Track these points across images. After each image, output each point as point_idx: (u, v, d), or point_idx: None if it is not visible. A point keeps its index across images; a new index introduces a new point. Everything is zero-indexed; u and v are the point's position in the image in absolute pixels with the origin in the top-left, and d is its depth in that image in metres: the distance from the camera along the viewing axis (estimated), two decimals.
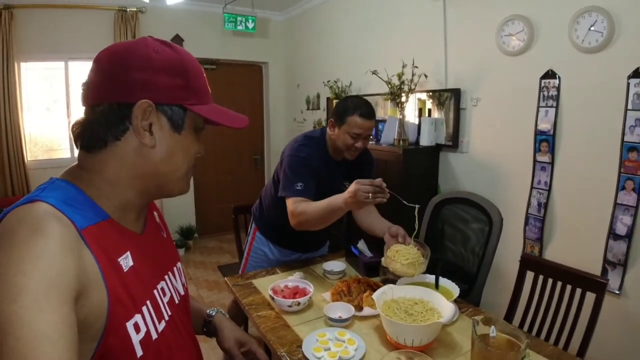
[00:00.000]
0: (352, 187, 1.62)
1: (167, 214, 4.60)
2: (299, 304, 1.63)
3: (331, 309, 1.60)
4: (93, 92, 0.73)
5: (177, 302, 0.89)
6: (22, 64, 3.98)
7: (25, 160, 4.04)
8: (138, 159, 0.75)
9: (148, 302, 0.75)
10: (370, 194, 1.59)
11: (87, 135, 0.74)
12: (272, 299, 1.67)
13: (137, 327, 0.70)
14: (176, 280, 0.93)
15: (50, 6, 3.96)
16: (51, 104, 4.30)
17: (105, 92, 0.72)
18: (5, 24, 3.71)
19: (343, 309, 1.59)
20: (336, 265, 2.05)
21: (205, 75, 0.82)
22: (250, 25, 4.66)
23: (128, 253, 0.74)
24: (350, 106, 1.92)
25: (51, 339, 0.54)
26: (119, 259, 0.71)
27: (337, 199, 1.71)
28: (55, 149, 4.39)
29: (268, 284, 1.79)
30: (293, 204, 1.86)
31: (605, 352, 2.08)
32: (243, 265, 2.31)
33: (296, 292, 1.71)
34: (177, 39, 4.58)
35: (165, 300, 0.83)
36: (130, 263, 0.73)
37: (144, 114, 0.72)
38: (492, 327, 1.18)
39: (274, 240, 2.23)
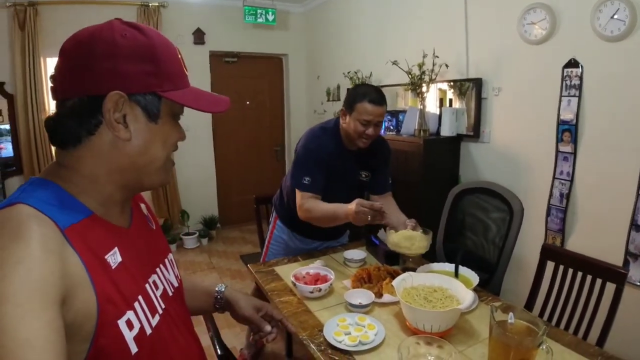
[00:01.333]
0: (353, 206, 1.72)
1: (190, 204, 4.76)
2: (320, 290, 1.67)
3: (352, 295, 1.64)
4: (61, 86, 0.69)
5: (170, 294, 0.87)
6: (48, 60, 4.08)
7: (54, 155, 4.13)
8: (114, 152, 0.71)
9: (140, 298, 0.73)
10: (369, 217, 1.69)
11: (59, 131, 0.70)
12: (294, 285, 1.72)
13: (129, 324, 0.68)
14: (168, 272, 0.90)
15: (73, 2, 4.06)
16: None
17: (73, 84, 0.68)
18: (30, 20, 3.81)
19: (363, 296, 1.63)
20: (357, 253, 2.08)
21: (180, 56, 0.76)
22: (270, 17, 4.69)
23: (116, 249, 0.71)
24: (359, 93, 1.94)
25: (34, 345, 0.52)
26: (106, 256, 0.69)
27: (342, 209, 1.80)
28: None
29: (290, 271, 1.84)
30: (301, 199, 1.97)
31: (625, 342, 2.06)
32: (264, 254, 2.36)
33: (317, 279, 1.75)
34: (199, 33, 4.65)
35: (158, 293, 0.81)
36: (119, 259, 0.71)
37: (115, 106, 0.68)
38: (511, 313, 1.20)
39: (294, 228, 2.27)
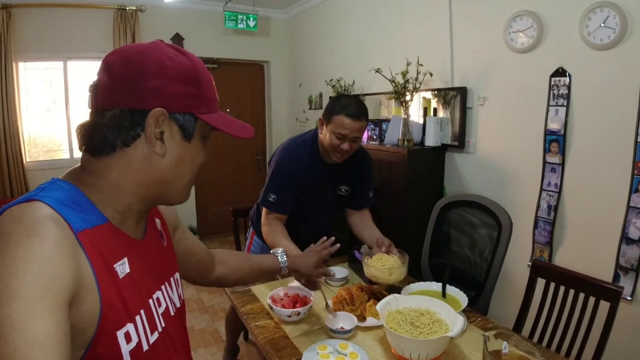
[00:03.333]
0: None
1: None
2: (298, 313, 1.56)
3: (332, 319, 1.53)
4: (103, 96, 0.70)
5: (172, 313, 0.86)
6: (21, 64, 3.93)
7: (24, 162, 3.98)
8: (145, 166, 0.73)
9: (142, 312, 0.73)
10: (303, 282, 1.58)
11: (94, 139, 0.71)
12: (271, 308, 1.60)
13: (128, 337, 0.68)
14: (172, 291, 0.89)
15: (48, 5, 3.90)
16: (50, 105, 4.23)
17: (117, 97, 0.70)
18: (3, 23, 3.66)
19: (345, 319, 1.53)
20: (338, 271, 1.97)
21: (211, 84, 0.79)
22: (252, 23, 4.59)
23: (125, 259, 0.71)
24: (338, 104, 1.81)
25: (44, 344, 0.52)
26: (115, 265, 0.69)
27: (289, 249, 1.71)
28: (55, 149, 4.34)
29: (267, 291, 1.73)
30: (265, 217, 1.91)
31: (614, 358, 1.99)
32: None
33: (296, 301, 1.64)
34: (178, 38, 4.52)
35: (160, 310, 0.80)
36: (127, 270, 0.71)
37: (157, 122, 0.71)
38: (505, 343, 1.11)
39: None
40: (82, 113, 4.43)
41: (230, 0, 4.31)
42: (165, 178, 0.76)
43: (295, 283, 1.82)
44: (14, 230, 0.58)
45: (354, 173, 2.01)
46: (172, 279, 0.91)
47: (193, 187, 3.78)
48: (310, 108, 4.78)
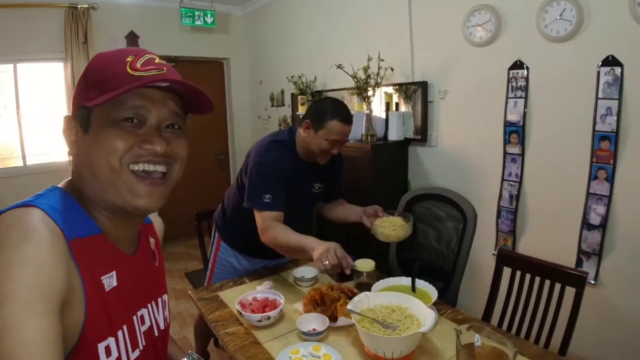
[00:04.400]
0: (324, 247, 1.58)
1: None
2: (269, 318, 1.52)
3: (304, 321, 1.50)
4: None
5: (156, 334, 0.84)
6: None
7: None
8: (77, 171, 0.74)
9: (124, 327, 0.72)
10: (330, 266, 1.56)
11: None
12: (240, 314, 1.55)
13: (108, 350, 0.67)
14: (158, 312, 0.87)
15: None
16: (1, 110, 3.97)
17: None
18: None
19: (317, 321, 1.50)
20: (308, 271, 1.94)
21: (119, 60, 0.70)
22: (209, 20, 4.48)
23: (114, 272, 0.71)
24: (330, 110, 1.81)
25: (39, 345, 0.53)
26: (103, 277, 0.69)
27: (310, 244, 1.65)
28: (8, 157, 4.08)
29: (236, 296, 1.67)
30: (263, 221, 1.78)
31: (582, 341, 2.05)
32: (208, 278, 2.16)
33: (266, 305, 1.59)
34: (132, 36, 4.36)
35: (144, 329, 0.80)
36: (114, 283, 0.71)
37: (66, 127, 0.73)
38: (477, 336, 1.11)
39: (240, 249, 2.09)
40: (35, 118, 4.25)
41: None
42: (82, 175, 0.72)
43: (264, 286, 1.78)
44: (9, 234, 0.58)
45: (329, 171, 2.00)
46: (159, 299, 0.89)
47: None
48: (273, 105, 4.72)
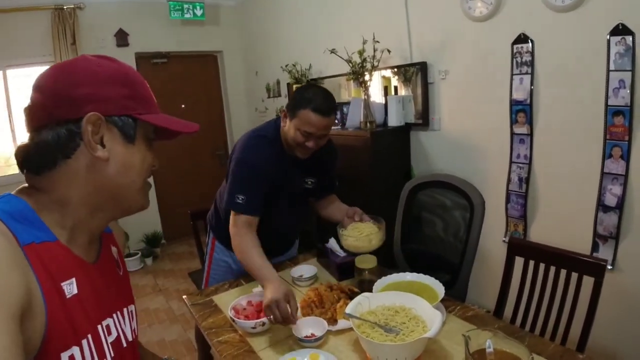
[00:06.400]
0: (271, 294, 1.37)
1: (129, 222, 4.33)
2: (263, 324, 1.42)
3: (301, 325, 1.39)
4: (37, 114, 0.69)
5: (124, 345, 0.82)
6: None
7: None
8: (91, 174, 0.71)
9: (89, 337, 0.70)
10: (274, 320, 1.38)
11: (35, 159, 0.70)
12: (234, 321, 1.44)
13: None
14: (124, 323, 0.84)
15: None
16: None
17: (51, 111, 0.68)
18: None
19: (315, 325, 1.40)
20: (307, 269, 1.84)
21: (144, 84, 0.78)
22: (199, 12, 4.35)
23: (73, 279, 0.69)
24: (304, 97, 1.62)
25: (1, 356, 0.51)
26: (63, 284, 0.66)
27: (264, 278, 1.49)
28: (3, 165, 4.01)
29: (231, 300, 1.58)
30: (234, 224, 1.68)
31: (601, 328, 1.94)
32: (205, 280, 2.06)
33: (261, 310, 1.48)
34: (121, 34, 4.25)
35: (110, 339, 0.77)
36: (75, 290, 0.69)
37: (94, 127, 0.69)
38: (488, 341, 0.99)
39: None
40: (27, 138, 4.10)
41: None
42: (115, 184, 0.73)
43: (259, 289, 1.68)
44: None
45: (320, 165, 1.86)
46: (125, 309, 0.86)
47: (154, 191, 3.54)
48: (269, 97, 4.60)
